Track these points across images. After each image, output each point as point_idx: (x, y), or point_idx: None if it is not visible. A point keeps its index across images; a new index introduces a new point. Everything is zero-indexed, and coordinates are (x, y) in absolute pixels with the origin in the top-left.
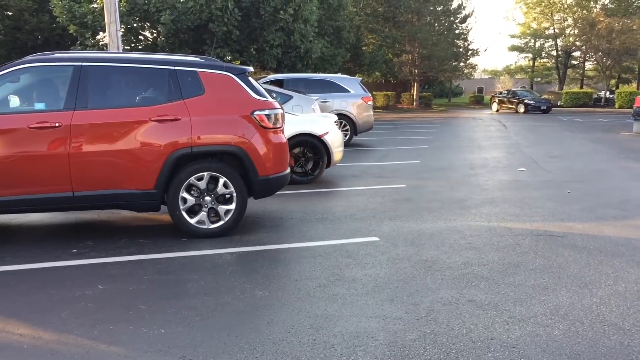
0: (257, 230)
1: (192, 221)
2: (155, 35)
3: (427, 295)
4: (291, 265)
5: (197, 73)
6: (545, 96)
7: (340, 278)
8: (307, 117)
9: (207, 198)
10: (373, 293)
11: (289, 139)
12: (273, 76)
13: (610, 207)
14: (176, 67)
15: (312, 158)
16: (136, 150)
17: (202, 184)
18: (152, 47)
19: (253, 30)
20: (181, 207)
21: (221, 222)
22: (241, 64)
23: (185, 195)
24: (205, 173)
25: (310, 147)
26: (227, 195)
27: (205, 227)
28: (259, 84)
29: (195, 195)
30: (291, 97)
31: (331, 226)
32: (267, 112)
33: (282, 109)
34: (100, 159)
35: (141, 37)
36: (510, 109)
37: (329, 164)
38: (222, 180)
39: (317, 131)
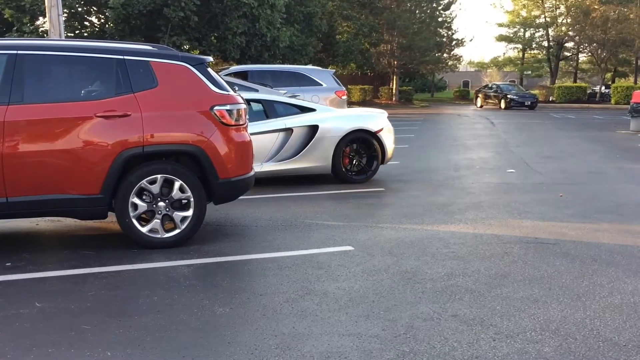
0: (218, 240)
1: (144, 230)
2: (102, 21)
3: (406, 310)
4: (255, 279)
5: (149, 63)
6: (532, 91)
7: (310, 292)
8: (360, 111)
9: (161, 204)
10: (346, 308)
11: (345, 136)
12: (236, 67)
13: (606, 212)
14: (125, 57)
15: (365, 155)
16: (79, 150)
17: (155, 188)
18: (99, 35)
19: (213, 16)
20: (131, 214)
21: (177, 231)
22: (200, 53)
23: (136, 200)
24: (159, 175)
25: (363, 143)
26: (183, 201)
27: (159, 236)
28: (219, 76)
29: (148, 200)
30: (256, 90)
31: (300, 234)
32: (228, 107)
33: (245, 103)
34: (38, 160)
35: (87, 23)
36: (494, 104)
37: (382, 161)
38: (177, 184)
39: (373, 127)
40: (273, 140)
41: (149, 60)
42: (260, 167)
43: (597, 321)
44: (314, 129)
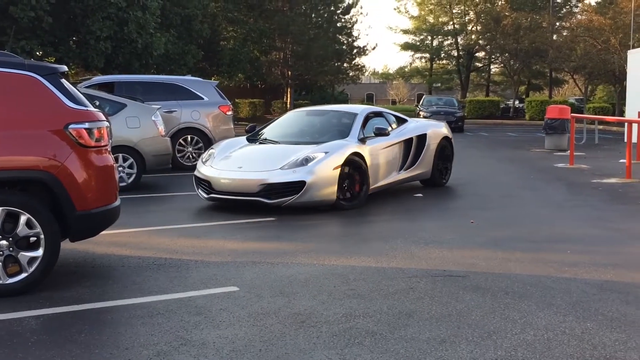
0: (75, 284)
1: None
2: None
3: (299, 358)
4: (120, 329)
5: None
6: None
7: (186, 342)
8: (431, 122)
9: (3, 242)
10: None
11: (439, 142)
12: (100, 78)
13: (518, 240)
14: None
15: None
16: None
17: None
18: None
19: (73, 18)
20: None
21: (23, 275)
22: (56, 61)
23: None
24: (0, 208)
25: (443, 150)
26: (31, 238)
27: (0, 282)
28: (78, 88)
29: None
30: (124, 105)
31: (176, 275)
32: (87, 125)
33: (108, 121)
34: None
35: None
36: None
37: None
38: (23, 218)
39: (449, 135)
40: (400, 150)
41: None
42: (397, 175)
43: None
44: (422, 137)
